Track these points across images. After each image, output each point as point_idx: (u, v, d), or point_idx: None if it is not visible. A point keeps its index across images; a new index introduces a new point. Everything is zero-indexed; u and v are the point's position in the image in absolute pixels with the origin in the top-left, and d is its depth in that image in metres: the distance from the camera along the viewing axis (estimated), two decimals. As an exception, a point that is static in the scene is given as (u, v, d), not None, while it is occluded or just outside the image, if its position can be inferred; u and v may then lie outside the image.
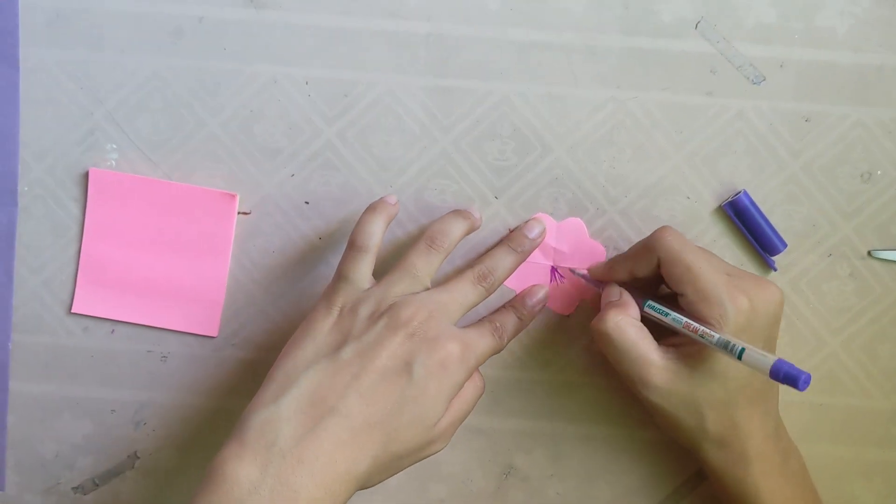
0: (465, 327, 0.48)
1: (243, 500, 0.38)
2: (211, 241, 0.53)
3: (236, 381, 0.55)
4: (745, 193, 0.52)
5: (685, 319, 0.46)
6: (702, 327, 0.45)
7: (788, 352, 0.54)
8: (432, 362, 0.45)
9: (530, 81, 0.52)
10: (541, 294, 0.52)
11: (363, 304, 0.47)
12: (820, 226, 0.53)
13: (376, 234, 0.49)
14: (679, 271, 0.46)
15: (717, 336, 0.44)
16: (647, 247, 0.48)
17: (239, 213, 0.54)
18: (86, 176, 0.54)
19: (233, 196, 0.53)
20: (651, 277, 0.49)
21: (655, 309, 0.48)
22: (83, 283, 0.54)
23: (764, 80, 0.52)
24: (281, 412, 0.42)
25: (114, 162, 0.54)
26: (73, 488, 0.55)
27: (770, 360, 0.42)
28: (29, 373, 0.55)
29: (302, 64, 0.53)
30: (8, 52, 0.53)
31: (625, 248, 0.53)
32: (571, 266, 0.53)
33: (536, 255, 0.53)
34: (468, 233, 0.51)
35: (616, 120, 0.53)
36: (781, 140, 0.53)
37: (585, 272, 0.52)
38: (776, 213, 0.53)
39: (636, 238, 0.53)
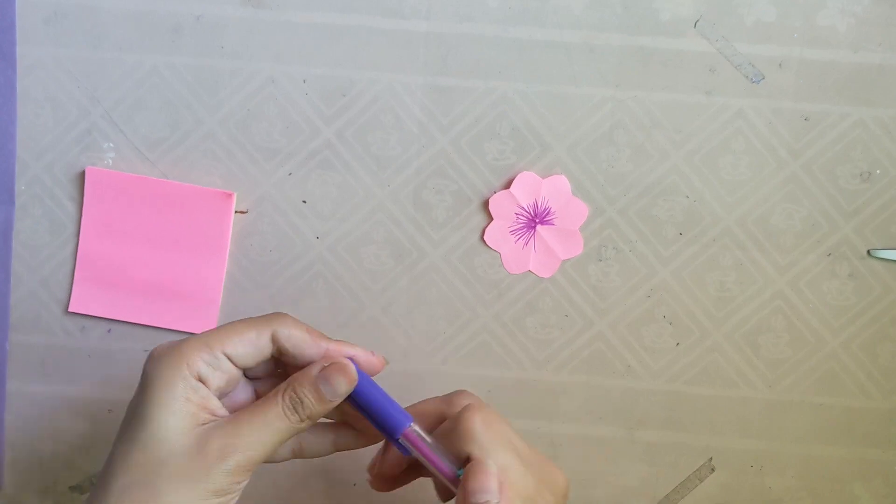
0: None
1: None
2: (208, 239, 0.53)
3: (234, 381, 0.54)
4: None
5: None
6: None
7: (788, 352, 0.54)
8: None
9: (529, 80, 0.52)
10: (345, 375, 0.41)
11: None
12: (819, 225, 0.53)
13: None
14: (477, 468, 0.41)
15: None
16: (457, 436, 0.42)
17: (236, 211, 0.54)
18: (83, 175, 0.53)
19: (230, 195, 0.53)
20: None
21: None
22: (80, 282, 0.54)
23: (763, 79, 0.52)
24: None
25: (111, 161, 0.53)
26: (70, 487, 0.55)
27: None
28: (26, 372, 0.55)
29: (300, 62, 0.52)
30: (5, 49, 0.53)
31: (623, 247, 0.53)
32: (553, 223, 0.52)
33: (521, 214, 0.52)
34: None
35: (615, 119, 0.52)
36: (781, 139, 0.52)
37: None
38: (775, 213, 0.53)
39: (634, 237, 0.53)
